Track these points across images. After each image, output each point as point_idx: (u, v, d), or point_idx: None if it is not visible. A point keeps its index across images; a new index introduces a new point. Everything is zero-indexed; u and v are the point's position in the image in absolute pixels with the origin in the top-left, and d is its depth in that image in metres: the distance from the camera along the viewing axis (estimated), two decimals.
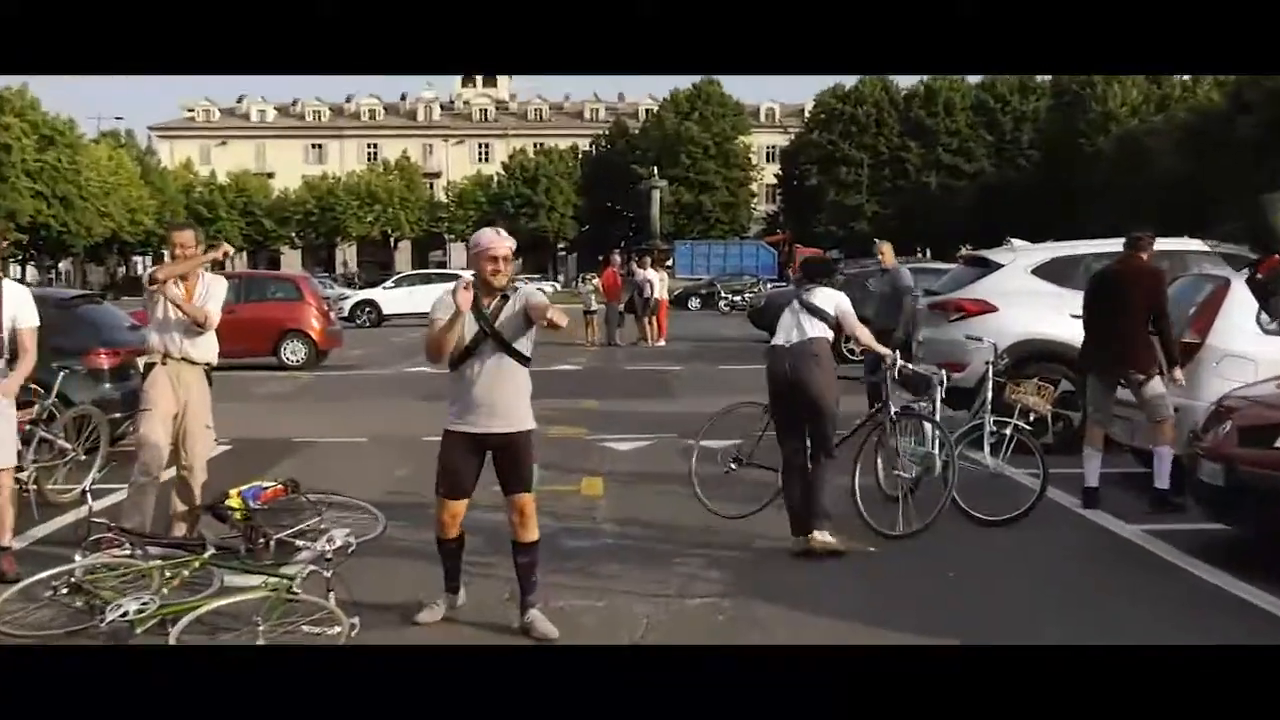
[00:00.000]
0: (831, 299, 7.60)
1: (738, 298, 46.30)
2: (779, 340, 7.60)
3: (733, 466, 8.14)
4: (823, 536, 7.32)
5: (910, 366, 8.09)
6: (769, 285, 48.14)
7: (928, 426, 7.94)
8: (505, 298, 5.77)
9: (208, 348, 7.24)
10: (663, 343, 26.93)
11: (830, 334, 7.53)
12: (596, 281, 28.45)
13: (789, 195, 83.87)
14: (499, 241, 5.75)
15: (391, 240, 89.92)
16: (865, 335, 7.72)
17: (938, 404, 8.12)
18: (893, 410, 7.92)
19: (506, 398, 5.75)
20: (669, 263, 60.46)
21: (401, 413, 13.75)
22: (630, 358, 23.58)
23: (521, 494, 5.79)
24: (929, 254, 74.24)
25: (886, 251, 12.77)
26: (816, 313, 7.54)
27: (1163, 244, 11.75)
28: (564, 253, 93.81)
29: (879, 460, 8.26)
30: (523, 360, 5.79)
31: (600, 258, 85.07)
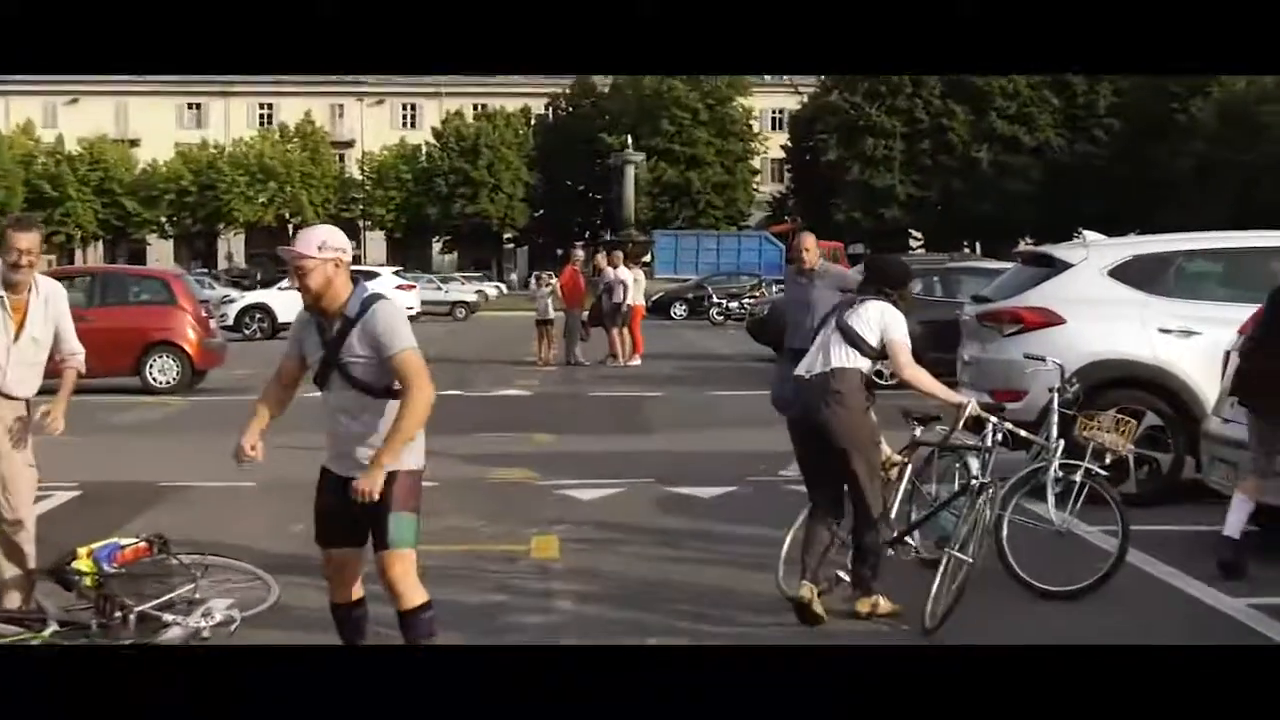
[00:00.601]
0: (878, 321, 7.56)
1: (734, 304, 46.43)
2: (799, 369, 7.68)
3: None
4: (883, 602, 7.60)
5: (1019, 430, 7.98)
6: (774, 288, 48.41)
7: (974, 466, 7.94)
8: (348, 319, 5.72)
9: (36, 382, 7.19)
10: (637, 361, 26.99)
11: (865, 364, 7.53)
12: (554, 283, 28.50)
13: (801, 173, 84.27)
14: (292, 249, 5.70)
15: (290, 227, 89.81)
16: (924, 379, 7.50)
17: (993, 449, 8.11)
18: (975, 482, 7.76)
19: (366, 439, 5.76)
20: (646, 259, 60.61)
21: (300, 450, 13.65)
22: (595, 380, 23.63)
23: (382, 552, 5.76)
24: (978, 249, 74.62)
25: (811, 247, 12.43)
26: (851, 338, 7.55)
27: (1269, 238, 11.85)
28: (512, 245, 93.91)
29: (913, 511, 8.27)
30: (387, 394, 5.74)
31: (559, 252, 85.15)
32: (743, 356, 28.57)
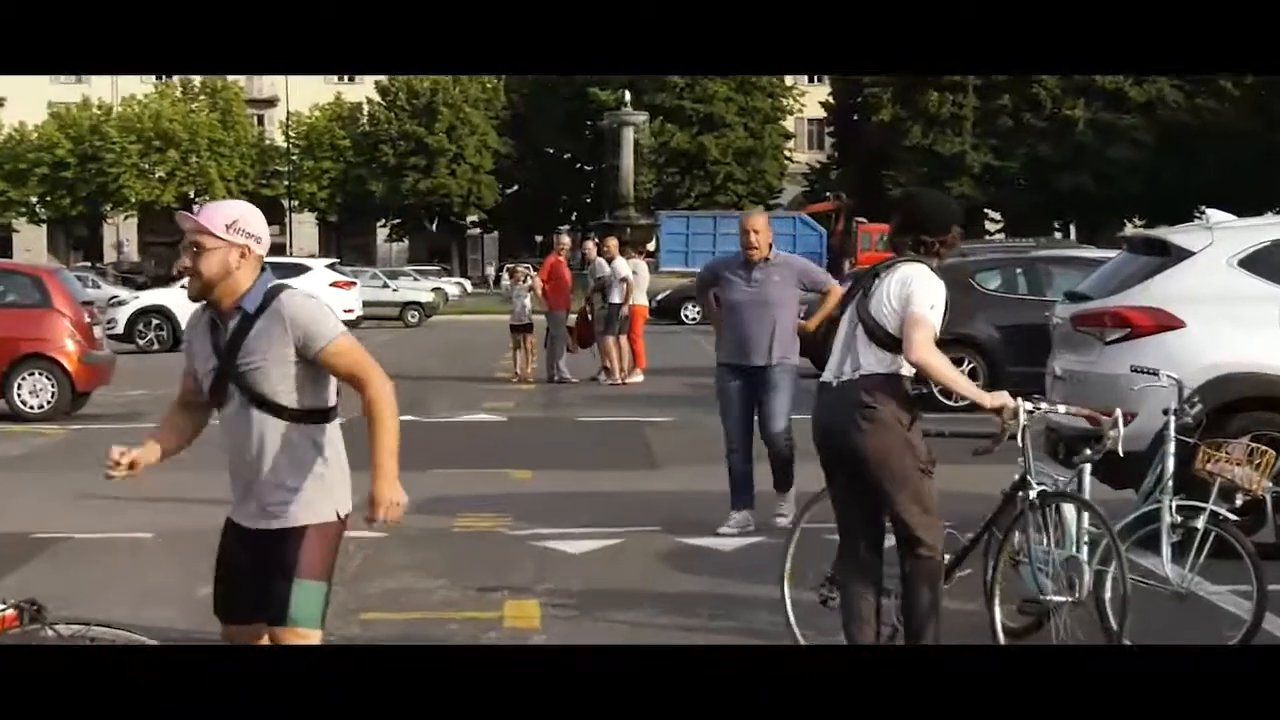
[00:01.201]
0: (898, 294, 7.16)
1: None
2: (825, 374, 7.49)
3: (828, 594, 7.99)
4: None
5: (1064, 409, 7.93)
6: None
7: (1070, 513, 7.93)
8: (246, 315, 5.67)
9: None
10: (639, 377, 26.95)
11: (902, 365, 7.21)
12: (533, 278, 28.53)
13: (846, 138, 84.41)
14: (194, 219, 5.68)
15: (195, 208, 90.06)
16: (940, 367, 7.14)
17: (1086, 479, 8.13)
18: (1032, 492, 7.75)
19: (274, 475, 5.69)
20: (650, 247, 60.64)
21: (206, 493, 13.60)
22: (586, 401, 23.68)
23: (276, 628, 5.70)
24: (1073, 233, 74.67)
25: (760, 228, 12.09)
26: (871, 328, 7.24)
27: None
28: (479, 230, 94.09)
29: (991, 573, 8.26)
30: (297, 415, 5.70)
31: (539, 240, 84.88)
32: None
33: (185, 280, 5.79)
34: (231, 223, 5.68)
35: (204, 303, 5.80)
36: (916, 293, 7.11)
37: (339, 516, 5.78)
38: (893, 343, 7.16)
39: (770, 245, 12.16)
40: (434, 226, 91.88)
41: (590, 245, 29.93)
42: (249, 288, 5.67)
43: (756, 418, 12.23)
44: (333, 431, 5.82)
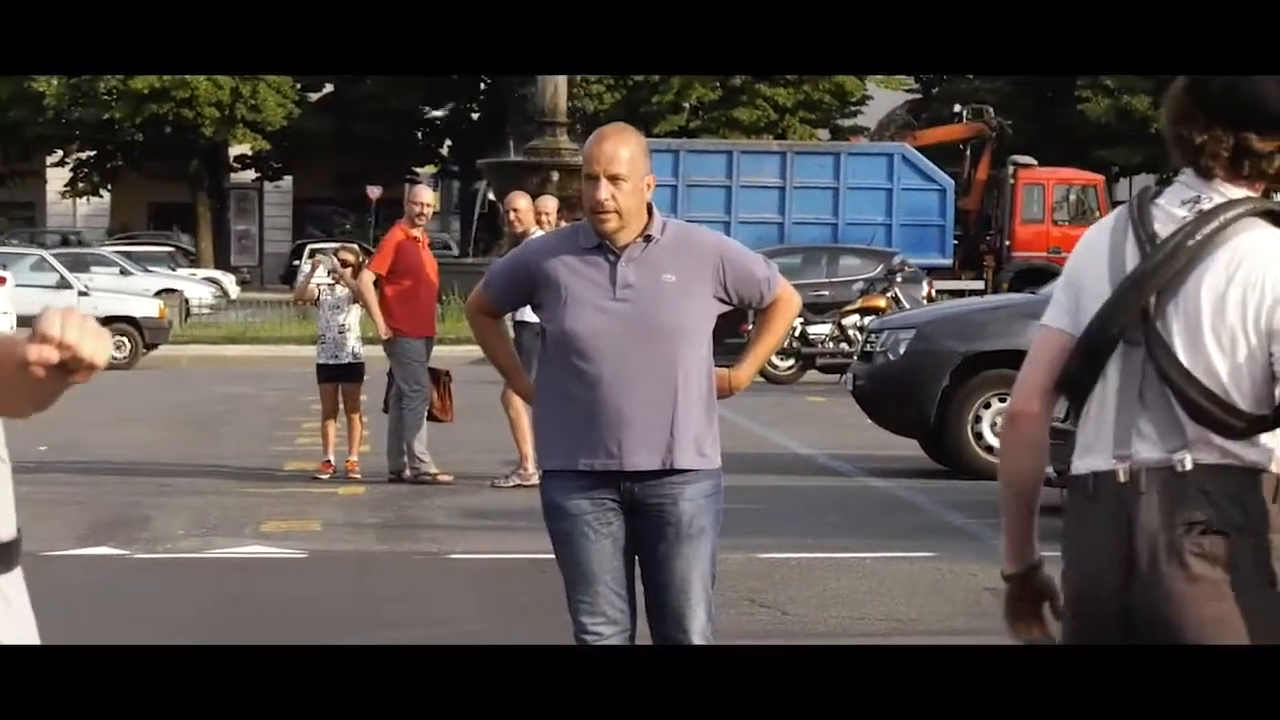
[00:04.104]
0: (1257, 309, 6.49)
1: (822, 329, 46.72)
2: (1096, 458, 6.78)
3: None
4: None
5: None
6: (924, 288, 48.64)
7: None
8: None
9: None
10: None
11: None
12: (364, 273, 28.03)
13: None
14: None
15: None
16: None
17: None
18: None
19: None
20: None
21: None
22: (466, 519, 24.00)
23: None
24: None
25: (635, 159, 10.69)
26: (1177, 383, 6.51)
27: None
28: (254, 176, 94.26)
29: None
30: None
31: (373, 193, 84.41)
32: (851, 463, 28.72)
33: None
34: None
35: None
36: None
37: None
38: (1247, 422, 6.61)
39: (651, 206, 11.29)
40: (161, 169, 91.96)
41: (520, 206, 28.45)
42: None
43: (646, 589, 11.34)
44: (11, 589, 5.70)
